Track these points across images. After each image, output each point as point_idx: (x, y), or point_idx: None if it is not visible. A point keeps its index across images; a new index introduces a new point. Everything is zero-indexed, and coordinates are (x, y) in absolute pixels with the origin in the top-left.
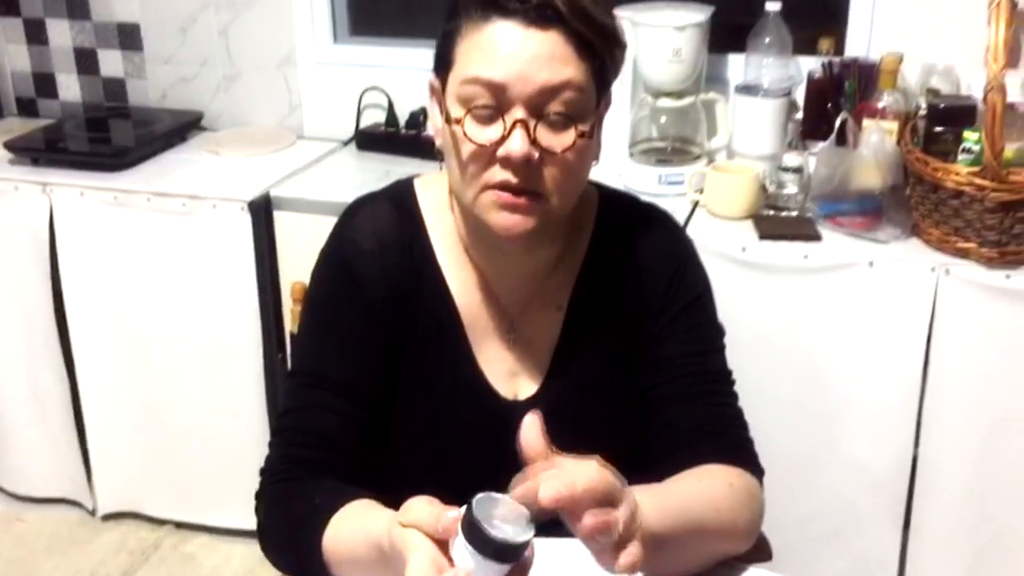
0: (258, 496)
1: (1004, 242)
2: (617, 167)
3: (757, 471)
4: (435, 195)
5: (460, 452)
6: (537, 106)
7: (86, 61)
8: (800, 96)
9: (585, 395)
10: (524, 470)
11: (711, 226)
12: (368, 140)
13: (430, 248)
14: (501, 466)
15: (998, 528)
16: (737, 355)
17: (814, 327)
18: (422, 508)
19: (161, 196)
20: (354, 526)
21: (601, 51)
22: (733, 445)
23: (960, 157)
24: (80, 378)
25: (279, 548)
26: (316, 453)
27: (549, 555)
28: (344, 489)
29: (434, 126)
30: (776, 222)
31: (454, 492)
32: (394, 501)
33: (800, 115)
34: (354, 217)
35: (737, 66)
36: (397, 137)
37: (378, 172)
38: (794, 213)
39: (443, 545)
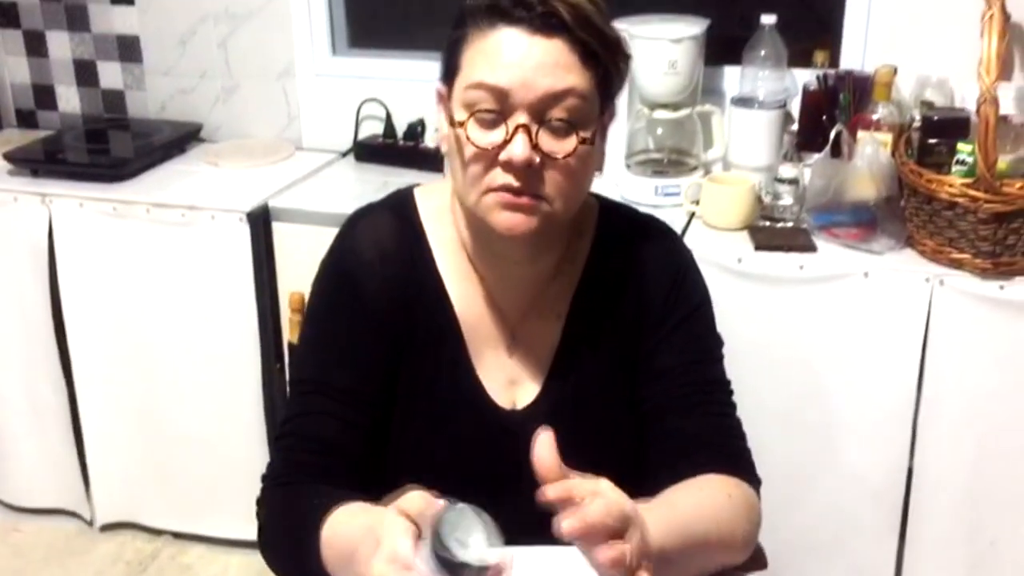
0: (259, 502)
1: (998, 253)
2: (614, 178)
3: (754, 481)
4: (436, 204)
5: (459, 460)
6: (539, 112)
7: (85, 73)
8: (795, 108)
9: (583, 404)
10: (541, 489)
11: (707, 237)
12: (366, 151)
13: (431, 257)
14: (500, 474)
15: (993, 538)
16: (733, 366)
17: (810, 338)
18: (415, 499)
19: (160, 207)
20: (351, 523)
21: (605, 61)
22: (731, 455)
23: (954, 169)
24: (78, 389)
25: (278, 551)
26: (317, 458)
27: (543, 563)
28: (342, 492)
29: (440, 132)
30: (772, 233)
31: (451, 495)
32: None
33: (795, 127)
34: (355, 228)
35: (733, 78)
36: (395, 148)
37: (376, 183)
38: (789, 224)
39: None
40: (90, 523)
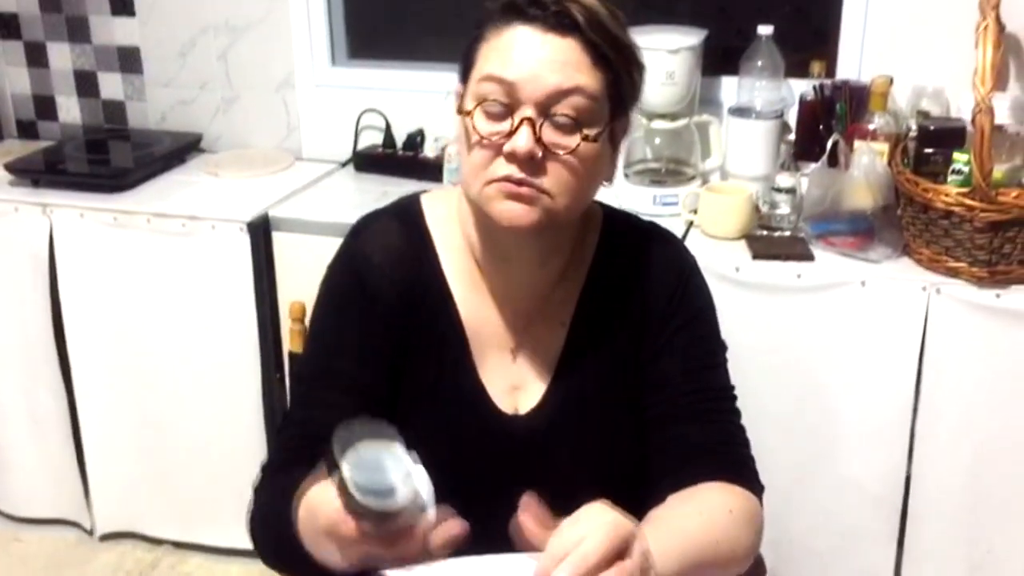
0: (255, 489)
1: (994, 261)
2: (612, 187)
3: (757, 488)
4: (442, 210)
5: (460, 463)
6: (546, 107)
7: (86, 84)
8: (792, 118)
9: (585, 411)
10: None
11: (705, 246)
12: (366, 161)
13: (437, 262)
14: (501, 478)
15: (991, 544)
16: (731, 374)
17: (807, 346)
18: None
19: (161, 217)
20: (323, 494)
21: (616, 66)
22: (733, 464)
23: (950, 178)
24: (79, 398)
25: (265, 532)
26: (316, 446)
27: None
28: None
29: (456, 134)
30: (769, 242)
31: (453, 501)
32: None
33: (792, 137)
34: (363, 231)
35: (730, 88)
36: (394, 158)
37: (376, 193)
38: (787, 233)
39: None
40: (90, 532)
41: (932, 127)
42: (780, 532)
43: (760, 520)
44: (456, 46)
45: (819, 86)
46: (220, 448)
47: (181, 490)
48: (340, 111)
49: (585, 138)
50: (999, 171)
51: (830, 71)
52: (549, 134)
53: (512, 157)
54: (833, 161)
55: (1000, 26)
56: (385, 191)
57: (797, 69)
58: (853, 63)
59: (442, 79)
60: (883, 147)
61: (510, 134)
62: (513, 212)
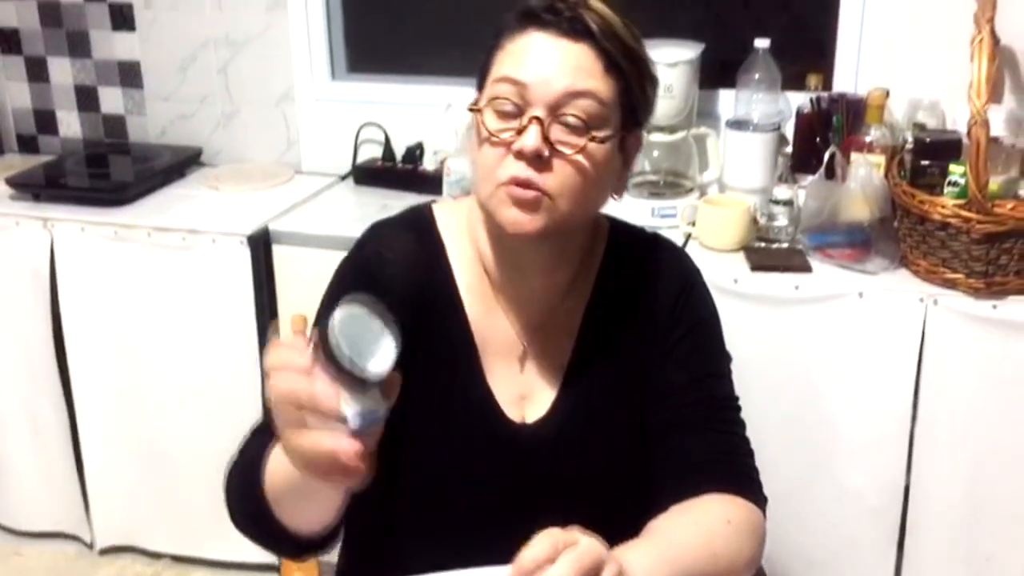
0: (239, 448)
1: (990, 273)
2: (611, 200)
3: (760, 500)
4: (453, 220)
5: (466, 469)
6: (556, 108)
7: (87, 98)
8: (789, 130)
9: (592, 421)
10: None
11: (703, 258)
12: (365, 175)
13: (449, 269)
14: (506, 485)
15: (990, 553)
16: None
17: (805, 357)
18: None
19: (161, 231)
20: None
21: (628, 75)
22: (736, 475)
23: (946, 190)
24: (79, 412)
25: (236, 480)
26: None
27: None
28: None
29: (469, 141)
30: (767, 254)
31: (458, 507)
32: (395, 513)
33: (789, 149)
34: (376, 235)
35: (727, 101)
36: (394, 171)
37: (375, 206)
38: (785, 245)
39: None
40: (90, 546)
41: (928, 139)
42: (780, 542)
43: (762, 531)
44: (455, 60)
45: (816, 99)
46: (220, 462)
47: (181, 504)
48: (339, 125)
49: (592, 139)
50: (995, 183)
51: (827, 84)
52: (557, 133)
53: (520, 155)
54: (830, 173)
55: (995, 39)
56: (385, 204)
57: (794, 82)
58: (849, 76)
59: (441, 93)
60: (880, 159)
61: (519, 133)
62: (519, 219)
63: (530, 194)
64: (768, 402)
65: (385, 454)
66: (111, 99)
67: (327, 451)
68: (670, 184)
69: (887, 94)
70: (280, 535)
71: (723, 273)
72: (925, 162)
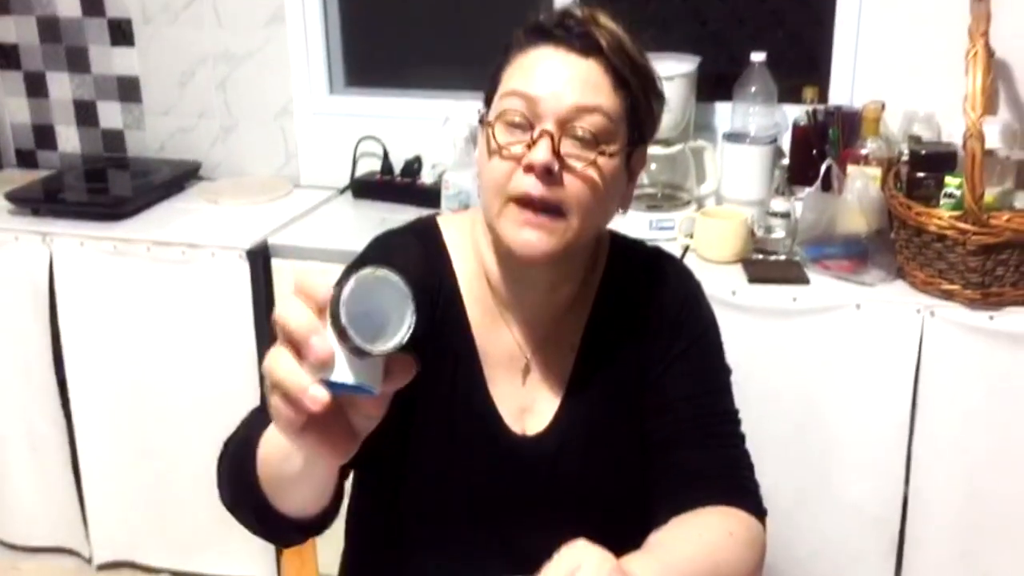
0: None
1: (987, 284)
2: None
3: (760, 513)
4: (458, 233)
5: (467, 481)
6: (565, 123)
7: (85, 113)
8: (786, 143)
9: (593, 434)
10: None
11: (701, 270)
12: (364, 188)
13: (455, 282)
14: (507, 497)
15: (989, 565)
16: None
17: (803, 369)
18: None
19: (160, 245)
20: None
21: (635, 89)
22: (736, 488)
23: (942, 202)
24: (77, 426)
25: (226, 480)
26: None
27: None
28: None
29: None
30: (765, 266)
31: (460, 518)
32: (398, 524)
33: (786, 161)
34: (383, 244)
35: (724, 114)
36: (392, 185)
37: (374, 219)
38: (782, 257)
39: None
40: (88, 561)
41: (924, 152)
42: (779, 554)
43: (762, 544)
44: (453, 74)
45: (812, 111)
46: None
47: (179, 519)
48: (338, 138)
49: (602, 153)
50: (990, 195)
51: (823, 97)
52: (568, 147)
53: (530, 169)
54: (827, 185)
55: (989, 52)
56: (383, 218)
57: (790, 95)
58: (845, 89)
59: (439, 106)
60: (876, 171)
61: (529, 148)
62: (529, 241)
63: (543, 219)
64: (766, 413)
65: (388, 464)
66: (110, 114)
67: (296, 384)
68: (668, 197)
69: (883, 107)
70: (270, 513)
71: (721, 285)
72: (921, 174)
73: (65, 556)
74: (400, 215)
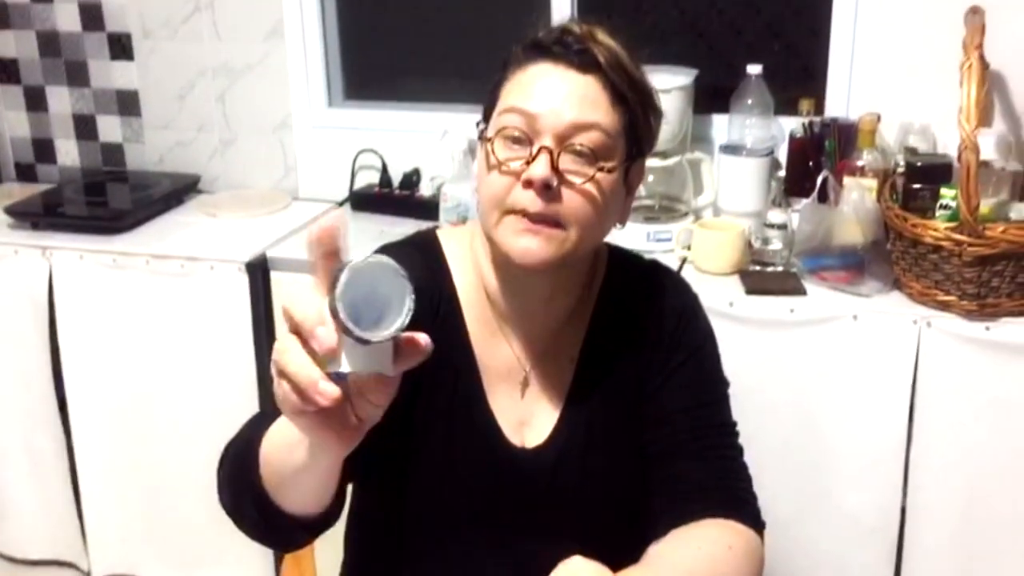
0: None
1: (983, 295)
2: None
3: (758, 525)
4: (457, 246)
5: (467, 492)
6: (564, 139)
7: (85, 127)
8: (782, 155)
9: (591, 447)
10: None
11: (699, 282)
12: (362, 201)
13: (454, 294)
14: (506, 509)
15: (987, 574)
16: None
17: (801, 380)
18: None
19: (159, 258)
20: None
21: (633, 104)
22: (734, 500)
23: (938, 213)
24: (76, 440)
25: (227, 480)
26: None
27: None
28: None
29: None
30: (762, 277)
31: (459, 529)
32: (397, 535)
33: (783, 173)
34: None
35: (721, 126)
36: (391, 197)
37: (372, 232)
38: (779, 268)
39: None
40: (87, 574)
41: (919, 163)
42: (777, 565)
43: (761, 557)
44: (451, 87)
45: (808, 123)
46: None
47: (179, 532)
48: (337, 151)
49: (601, 169)
50: (986, 206)
51: (819, 109)
52: (566, 163)
53: (529, 184)
54: (823, 197)
55: (984, 64)
56: (382, 230)
57: (786, 107)
58: (841, 101)
59: (437, 119)
60: (872, 183)
61: (528, 163)
62: (528, 248)
63: (541, 227)
64: (764, 424)
65: (388, 476)
66: (109, 127)
67: (307, 378)
68: (665, 208)
69: (878, 119)
70: (272, 510)
71: (718, 297)
72: (917, 186)
73: (64, 569)
74: (398, 227)
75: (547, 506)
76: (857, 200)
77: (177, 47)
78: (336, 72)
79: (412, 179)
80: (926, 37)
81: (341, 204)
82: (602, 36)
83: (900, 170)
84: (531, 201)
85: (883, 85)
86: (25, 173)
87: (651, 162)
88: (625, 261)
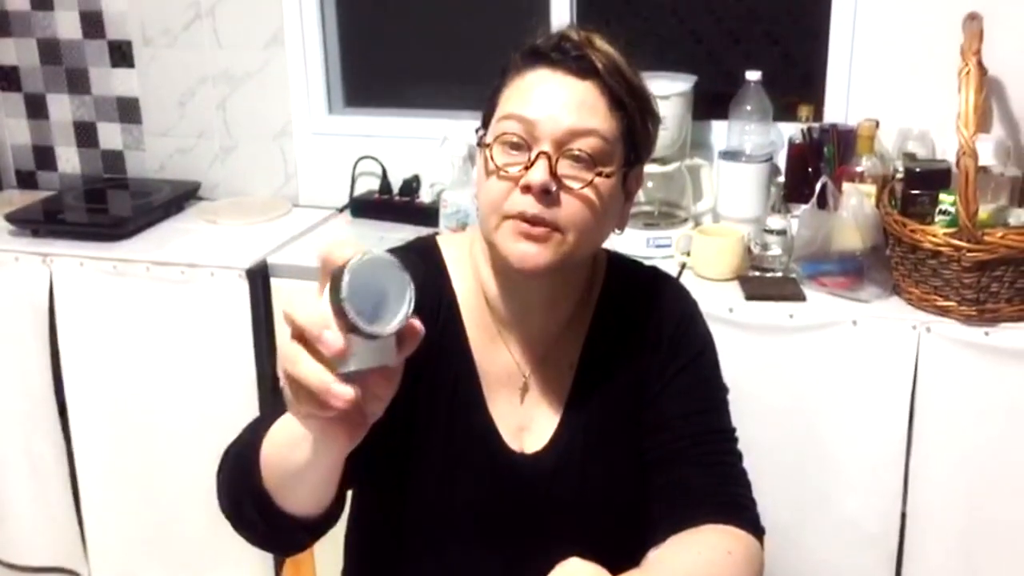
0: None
1: (982, 300)
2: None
3: (757, 531)
4: (457, 252)
5: (466, 497)
6: (562, 145)
7: (85, 134)
8: (781, 161)
9: (590, 454)
10: None
11: (698, 287)
12: (362, 207)
13: (455, 301)
14: (505, 514)
15: None
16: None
17: (800, 386)
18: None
19: (160, 265)
20: (288, 419)
21: (631, 110)
22: (733, 506)
23: (937, 218)
24: (77, 447)
25: (227, 482)
26: None
27: None
28: None
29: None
30: (761, 283)
31: (459, 534)
32: (397, 540)
33: (782, 179)
34: None
35: (720, 133)
36: (391, 204)
37: (372, 238)
38: (779, 274)
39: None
40: None
41: (918, 169)
42: (777, 571)
43: (760, 563)
44: (451, 94)
45: (807, 130)
46: None
47: (179, 539)
48: (337, 158)
49: (599, 174)
50: (984, 211)
51: (818, 115)
52: (565, 168)
53: (528, 190)
54: (822, 203)
55: (982, 70)
56: (382, 236)
57: (785, 113)
58: (840, 107)
59: (437, 126)
60: (871, 189)
61: (527, 169)
62: (526, 253)
63: (539, 231)
64: (763, 430)
65: (387, 481)
66: (110, 135)
67: (320, 383)
68: (664, 214)
69: (877, 124)
70: (272, 511)
71: (718, 302)
72: (916, 191)
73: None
74: (398, 234)
75: (546, 511)
76: (856, 206)
77: (178, 54)
78: (336, 79)
79: (412, 185)
80: (924, 43)
81: (341, 211)
82: (600, 42)
83: (899, 176)
84: (530, 205)
85: (882, 91)
86: (26, 180)
87: (650, 168)
88: (624, 267)
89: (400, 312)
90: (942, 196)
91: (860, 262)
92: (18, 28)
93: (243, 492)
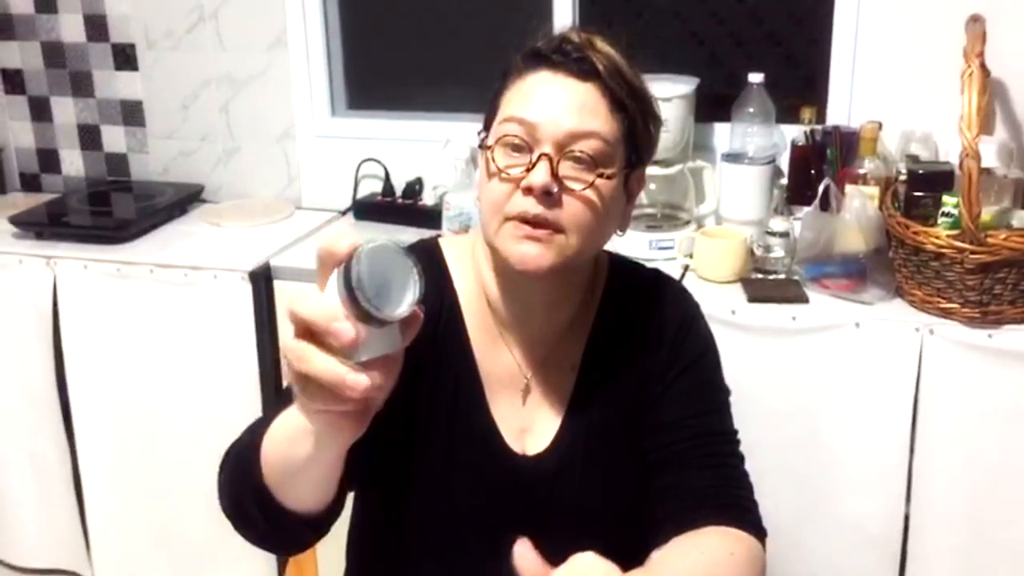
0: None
1: (985, 302)
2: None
3: (759, 533)
4: (458, 254)
5: (468, 499)
6: (564, 147)
7: (89, 137)
8: (784, 163)
9: (592, 454)
10: None
11: (701, 290)
12: (365, 210)
13: (457, 302)
14: (507, 515)
15: None
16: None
17: (803, 388)
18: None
19: (163, 267)
20: (289, 415)
21: (632, 112)
22: (736, 508)
23: (940, 220)
24: (80, 448)
25: (228, 481)
26: None
27: None
28: None
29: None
30: (764, 285)
31: (460, 536)
32: (399, 541)
33: (785, 181)
34: None
35: (723, 135)
36: (393, 206)
37: None
38: (781, 276)
39: None
40: None
41: (921, 171)
42: (776, 573)
43: (762, 565)
44: (454, 96)
45: (810, 132)
46: None
47: (182, 540)
48: (340, 161)
49: (600, 175)
50: (988, 213)
51: (820, 117)
52: (566, 170)
53: (529, 191)
54: (825, 205)
55: (985, 72)
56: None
57: (788, 115)
58: (843, 109)
59: (440, 128)
60: (874, 191)
61: (528, 170)
62: (528, 254)
63: (540, 232)
64: (766, 432)
65: (389, 483)
66: (114, 138)
67: (334, 375)
68: (667, 217)
69: (880, 126)
70: (273, 507)
71: (720, 305)
72: (919, 193)
73: None
74: (401, 236)
75: (548, 512)
76: (859, 208)
77: (181, 57)
78: (339, 82)
79: (415, 188)
80: (927, 45)
81: (344, 213)
82: (601, 44)
83: (902, 178)
84: (531, 206)
85: (884, 93)
86: (30, 183)
87: (653, 170)
88: (626, 269)
89: (408, 296)
90: (945, 198)
91: (863, 264)
92: (22, 31)
93: (244, 490)
